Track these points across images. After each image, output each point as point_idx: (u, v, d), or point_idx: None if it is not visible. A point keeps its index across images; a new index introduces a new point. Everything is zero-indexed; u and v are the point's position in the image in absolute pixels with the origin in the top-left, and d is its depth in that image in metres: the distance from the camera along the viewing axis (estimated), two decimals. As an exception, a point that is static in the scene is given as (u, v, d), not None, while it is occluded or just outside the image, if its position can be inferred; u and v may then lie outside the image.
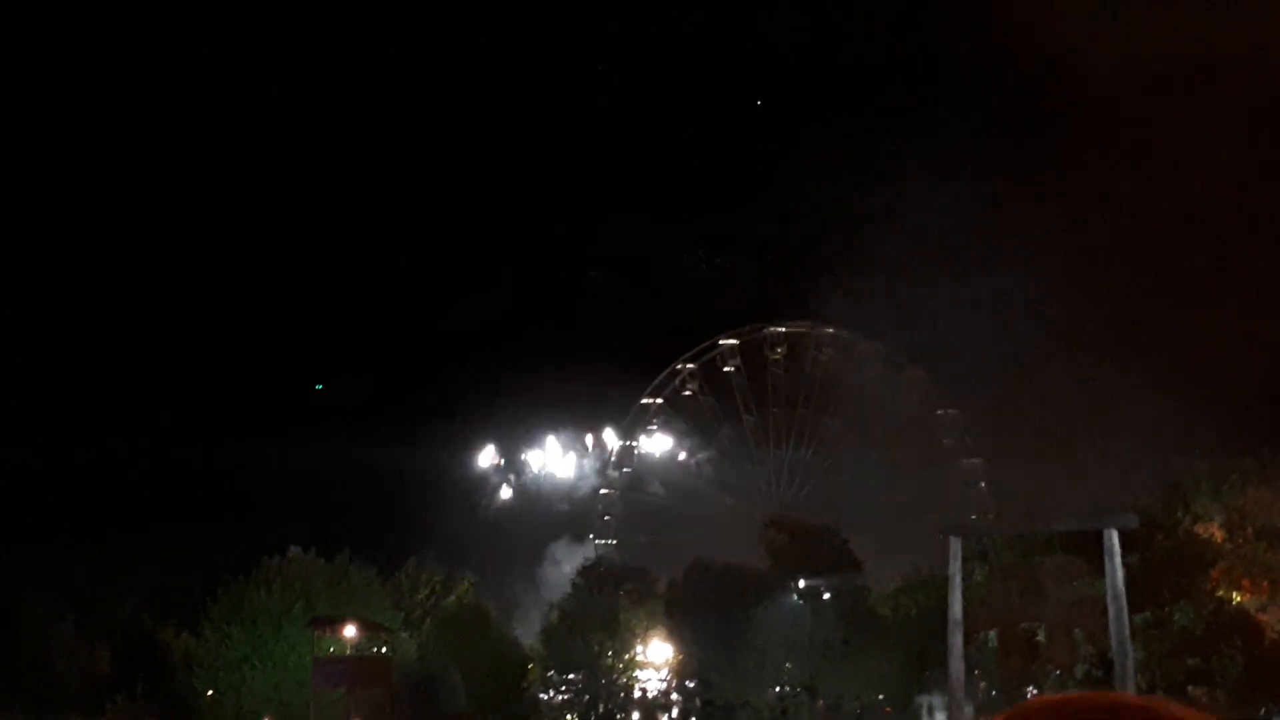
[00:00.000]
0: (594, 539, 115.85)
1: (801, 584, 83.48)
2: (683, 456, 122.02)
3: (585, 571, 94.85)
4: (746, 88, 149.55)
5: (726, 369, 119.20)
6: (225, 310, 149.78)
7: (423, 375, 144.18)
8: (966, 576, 66.16)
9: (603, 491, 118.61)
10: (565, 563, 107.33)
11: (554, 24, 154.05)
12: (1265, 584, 68.91)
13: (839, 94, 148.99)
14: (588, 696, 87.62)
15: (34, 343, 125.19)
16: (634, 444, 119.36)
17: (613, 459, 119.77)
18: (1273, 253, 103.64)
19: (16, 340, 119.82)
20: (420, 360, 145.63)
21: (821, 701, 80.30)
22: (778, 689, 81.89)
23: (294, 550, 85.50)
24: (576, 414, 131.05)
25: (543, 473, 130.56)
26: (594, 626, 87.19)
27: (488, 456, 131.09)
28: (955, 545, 62.84)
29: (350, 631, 76.81)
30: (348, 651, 76.79)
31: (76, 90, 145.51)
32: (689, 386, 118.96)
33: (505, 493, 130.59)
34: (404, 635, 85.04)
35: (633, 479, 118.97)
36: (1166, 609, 66.70)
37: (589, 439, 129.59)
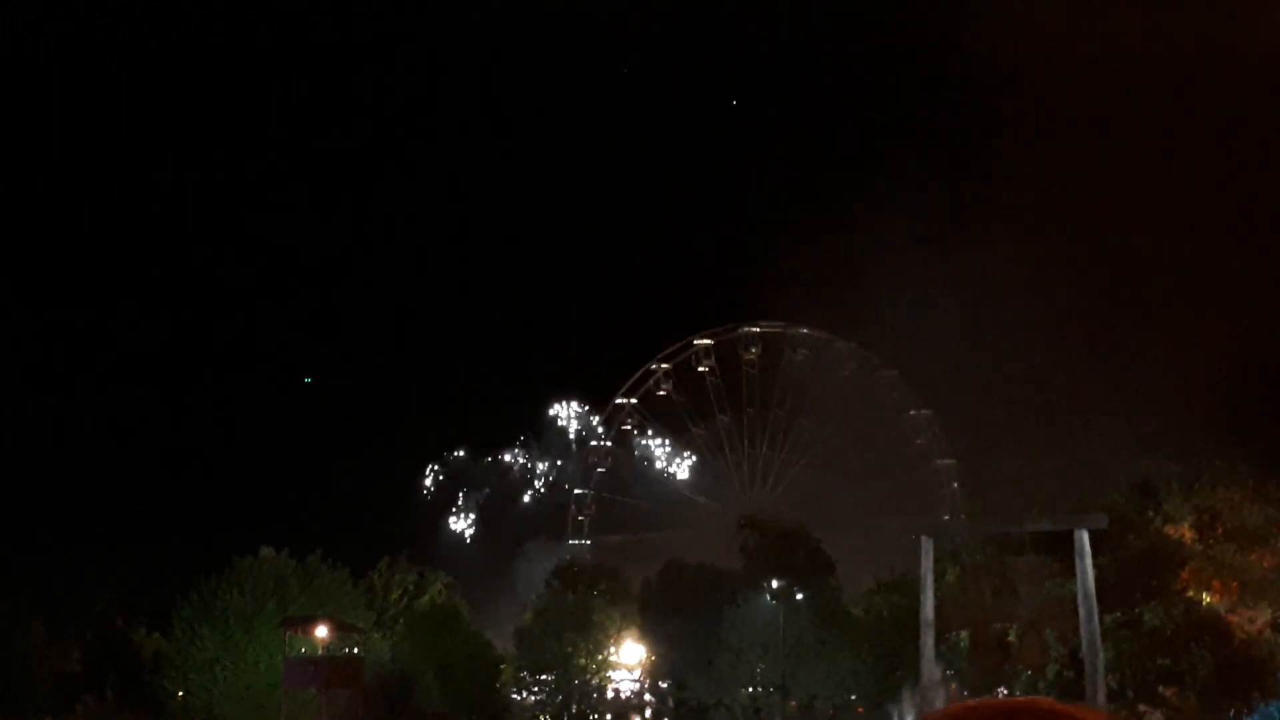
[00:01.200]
0: (568, 539, 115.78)
1: (774, 584, 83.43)
2: (657, 457, 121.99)
3: (559, 572, 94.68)
4: (723, 88, 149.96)
5: (701, 369, 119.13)
6: (201, 307, 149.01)
7: (395, 370, 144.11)
8: (939, 576, 66.37)
9: (576, 492, 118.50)
10: (539, 563, 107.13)
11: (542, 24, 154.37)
12: (1235, 585, 69.12)
13: (816, 99, 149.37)
14: (560, 697, 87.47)
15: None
16: (608, 444, 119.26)
17: (587, 459, 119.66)
18: (1241, 259, 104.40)
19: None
20: (392, 355, 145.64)
21: (794, 702, 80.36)
22: (751, 689, 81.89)
23: (266, 551, 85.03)
24: (550, 414, 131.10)
25: (517, 471, 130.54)
26: (567, 627, 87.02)
27: (456, 458, 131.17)
28: (927, 545, 63.09)
29: (322, 632, 76.45)
30: (320, 652, 76.44)
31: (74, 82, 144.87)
32: (663, 386, 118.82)
33: (476, 498, 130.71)
34: (376, 636, 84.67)
35: (606, 479, 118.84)
36: (1137, 609, 66.88)
37: (569, 436, 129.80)
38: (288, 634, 76.63)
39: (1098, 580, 59.48)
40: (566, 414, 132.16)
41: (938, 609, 62.90)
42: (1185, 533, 71.98)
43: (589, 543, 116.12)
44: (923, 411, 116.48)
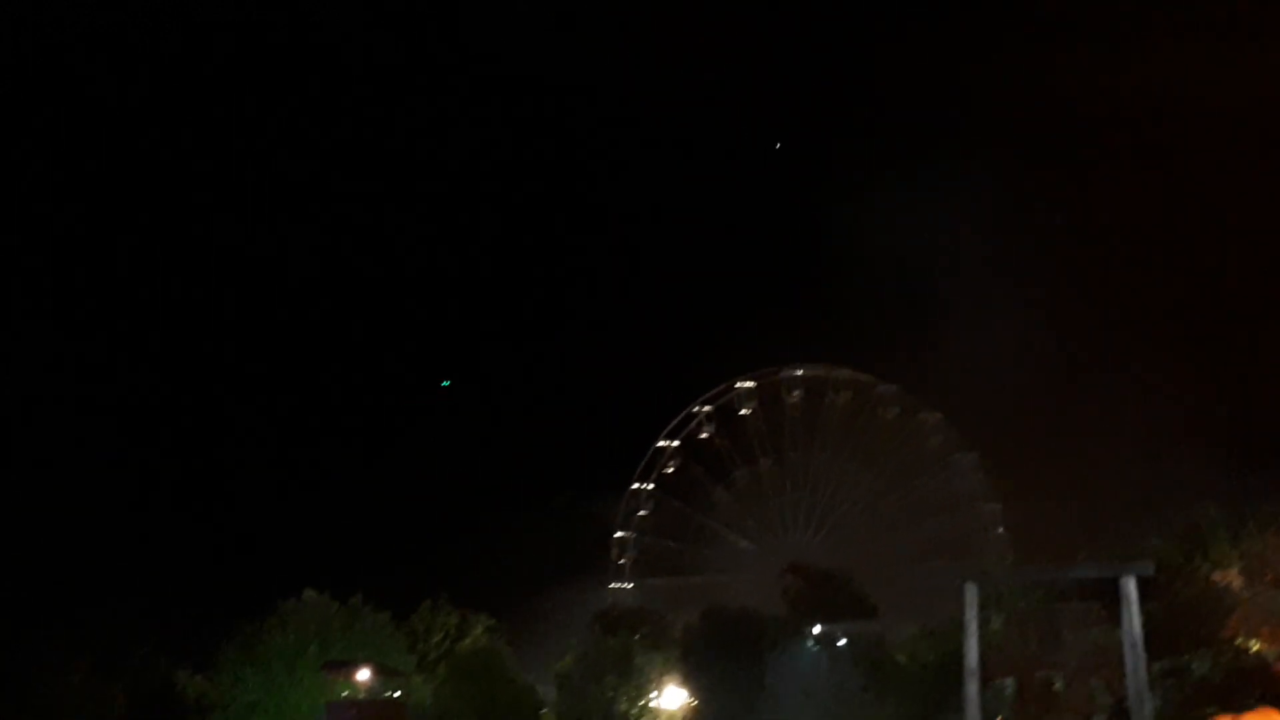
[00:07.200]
0: (610, 582, 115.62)
1: (817, 630, 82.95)
2: (699, 500, 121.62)
3: (600, 616, 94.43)
4: (765, 131, 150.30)
5: (743, 412, 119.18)
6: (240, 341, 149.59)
7: (436, 416, 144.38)
8: (983, 623, 65.72)
9: (618, 535, 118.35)
10: (581, 606, 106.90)
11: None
12: (1284, 632, 68.32)
13: (857, 141, 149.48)
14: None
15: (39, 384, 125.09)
16: (650, 487, 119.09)
17: (628, 502, 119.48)
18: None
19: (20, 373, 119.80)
20: (430, 397, 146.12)
21: (837, 749, 79.60)
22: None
23: (308, 593, 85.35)
24: (594, 456, 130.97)
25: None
26: (608, 671, 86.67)
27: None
28: (971, 592, 62.37)
29: (364, 675, 76.58)
30: (361, 695, 76.50)
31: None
32: (705, 429, 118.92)
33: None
34: (418, 679, 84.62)
35: (647, 522, 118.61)
36: (1184, 657, 66.08)
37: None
38: (329, 677, 76.74)
39: (1144, 628, 58.70)
40: (608, 457, 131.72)
41: (982, 656, 62.22)
42: (1233, 579, 71.17)
43: (630, 586, 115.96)
44: (967, 455, 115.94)
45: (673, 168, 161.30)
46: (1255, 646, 68.70)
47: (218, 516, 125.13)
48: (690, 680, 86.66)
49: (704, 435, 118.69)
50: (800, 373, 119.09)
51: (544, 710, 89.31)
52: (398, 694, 79.53)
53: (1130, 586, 58.32)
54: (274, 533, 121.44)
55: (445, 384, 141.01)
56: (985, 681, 63.17)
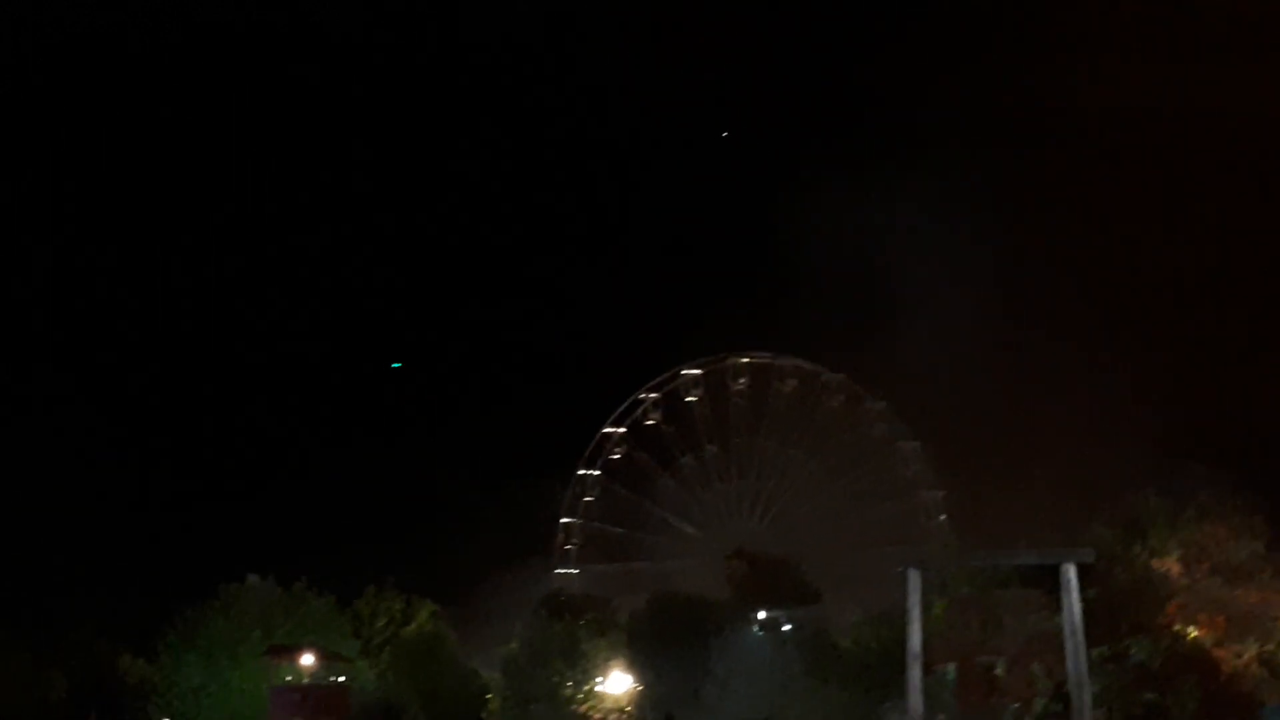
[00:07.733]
0: (555, 568, 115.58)
1: (761, 615, 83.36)
2: (645, 486, 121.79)
3: (546, 601, 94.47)
4: (715, 117, 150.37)
5: (689, 399, 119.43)
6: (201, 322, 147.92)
7: (383, 401, 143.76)
8: (926, 609, 66.31)
9: (564, 520, 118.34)
10: (527, 591, 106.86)
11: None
12: (1221, 619, 69.31)
13: (809, 126, 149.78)
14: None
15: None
16: (596, 473, 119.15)
17: (575, 488, 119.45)
18: (1235, 299, 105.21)
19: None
20: (379, 386, 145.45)
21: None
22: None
23: (252, 578, 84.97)
24: (541, 441, 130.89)
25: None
26: (554, 657, 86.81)
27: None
28: (914, 578, 62.87)
29: (308, 660, 76.39)
30: (305, 680, 76.30)
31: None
32: (652, 416, 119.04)
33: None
34: (362, 664, 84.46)
35: (594, 508, 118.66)
36: (1124, 643, 66.98)
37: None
38: (273, 662, 76.47)
39: (1084, 614, 59.43)
40: (554, 442, 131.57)
41: (925, 642, 62.79)
42: (1172, 567, 72.15)
43: (577, 571, 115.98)
44: (911, 443, 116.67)
45: (622, 155, 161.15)
46: (1193, 633, 69.70)
47: (161, 501, 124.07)
48: (635, 665, 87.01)
49: (650, 421, 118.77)
50: (747, 360, 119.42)
51: (489, 695, 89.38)
52: (342, 679, 79.32)
53: (1070, 573, 59.01)
54: (219, 517, 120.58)
55: (396, 366, 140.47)
56: (928, 667, 63.80)
